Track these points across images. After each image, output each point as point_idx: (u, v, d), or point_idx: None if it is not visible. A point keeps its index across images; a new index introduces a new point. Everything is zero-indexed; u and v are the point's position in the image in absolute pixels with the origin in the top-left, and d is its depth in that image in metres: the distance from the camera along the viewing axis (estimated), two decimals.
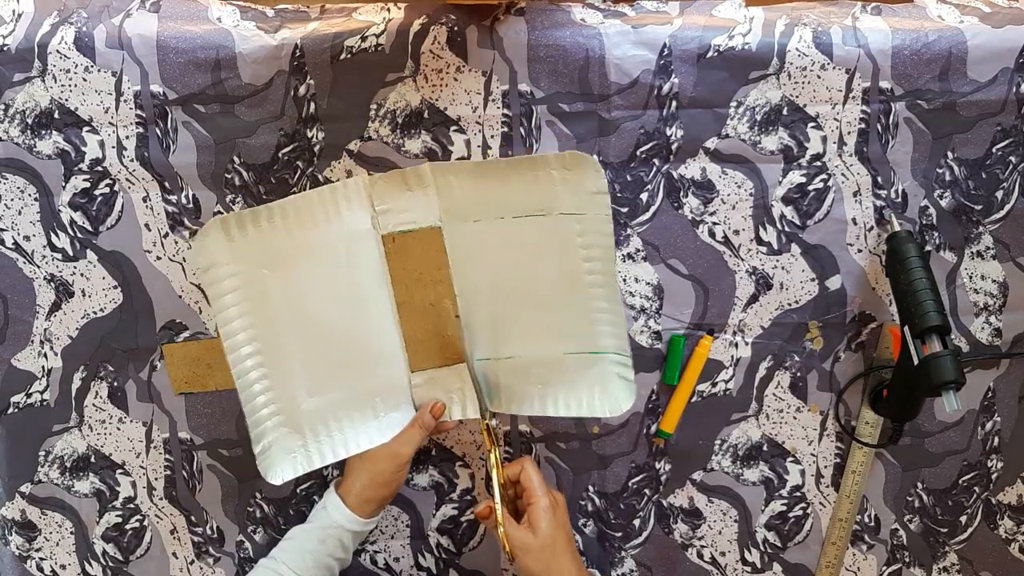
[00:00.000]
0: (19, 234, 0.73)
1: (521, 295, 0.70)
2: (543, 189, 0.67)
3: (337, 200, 0.68)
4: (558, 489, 0.76)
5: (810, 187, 0.72)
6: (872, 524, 0.78)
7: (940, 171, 0.72)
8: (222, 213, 0.72)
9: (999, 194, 0.73)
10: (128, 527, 0.78)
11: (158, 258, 0.73)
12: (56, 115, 0.71)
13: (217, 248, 0.67)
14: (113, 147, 0.71)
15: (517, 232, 0.69)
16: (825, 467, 0.77)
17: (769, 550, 0.78)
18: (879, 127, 0.71)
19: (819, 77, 0.70)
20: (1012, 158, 0.72)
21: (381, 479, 0.70)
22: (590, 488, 0.77)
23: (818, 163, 0.72)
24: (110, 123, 0.71)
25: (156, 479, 0.77)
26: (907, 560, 0.79)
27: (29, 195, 0.73)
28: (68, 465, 0.77)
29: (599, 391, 0.70)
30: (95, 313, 0.74)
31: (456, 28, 0.69)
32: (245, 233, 0.67)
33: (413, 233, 0.70)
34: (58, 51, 0.69)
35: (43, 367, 0.75)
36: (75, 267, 0.74)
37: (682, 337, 0.73)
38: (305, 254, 0.69)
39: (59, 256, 0.74)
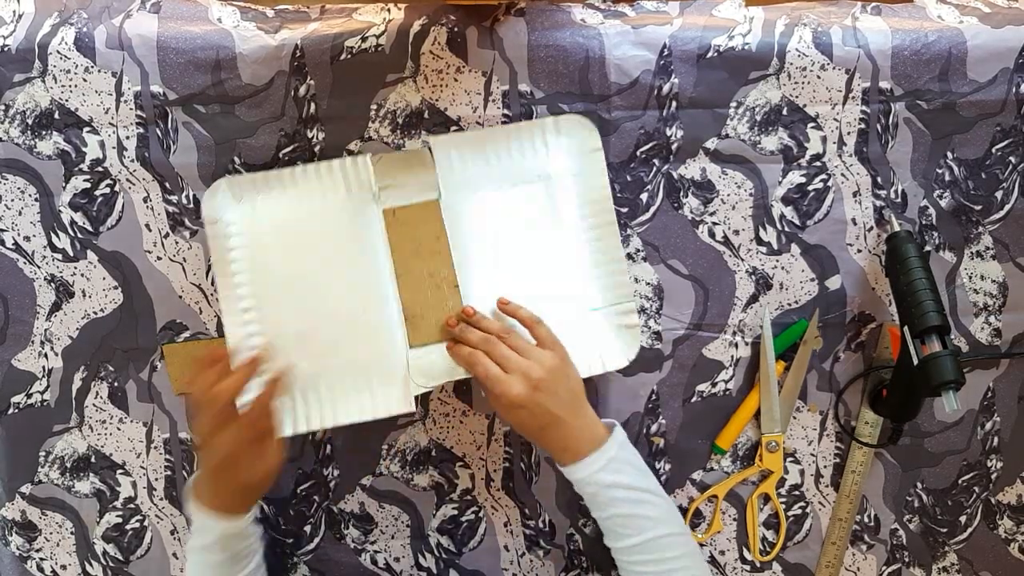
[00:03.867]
0: (19, 235, 0.73)
1: (521, 262, 0.71)
2: (541, 155, 0.70)
3: (345, 174, 0.70)
4: (559, 489, 0.76)
5: (810, 187, 0.72)
6: (872, 524, 0.78)
7: (940, 171, 0.72)
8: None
9: (999, 194, 0.73)
10: (128, 527, 0.78)
11: (158, 258, 0.73)
12: (56, 116, 0.71)
13: (225, 205, 0.69)
14: (113, 147, 0.71)
15: (516, 199, 0.71)
16: (825, 467, 0.77)
17: (767, 548, 0.78)
18: (879, 127, 0.71)
19: (819, 77, 0.70)
20: (1012, 158, 0.72)
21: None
22: None
23: (818, 163, 0.72)
24: (110, 123, 0.71)
25: (156, 479, 0.77)
26: (907, 560, 0.79)
27: (29, 195, 0.73)
28: (68, 465, 0.77)
29: (604, 347, 0.71)
30: (95, 313, 0.74)
31: (456, 29, 0.69)
32: (253, 197, 0.70)
33: (412, 207, 0.70)
34: (58, 52, 0.69)
35: (43, 367, 0.75)
36: (75, 267, 0.74)
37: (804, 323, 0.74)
38: (308, 223, 0.70)
39: (59, 256, 0.74)
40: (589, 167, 0.70)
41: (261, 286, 0.70)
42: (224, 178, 0.69)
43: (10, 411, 0.76)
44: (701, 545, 0.79)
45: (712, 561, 0.79)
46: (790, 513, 0.78)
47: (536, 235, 0.71)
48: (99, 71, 0.70)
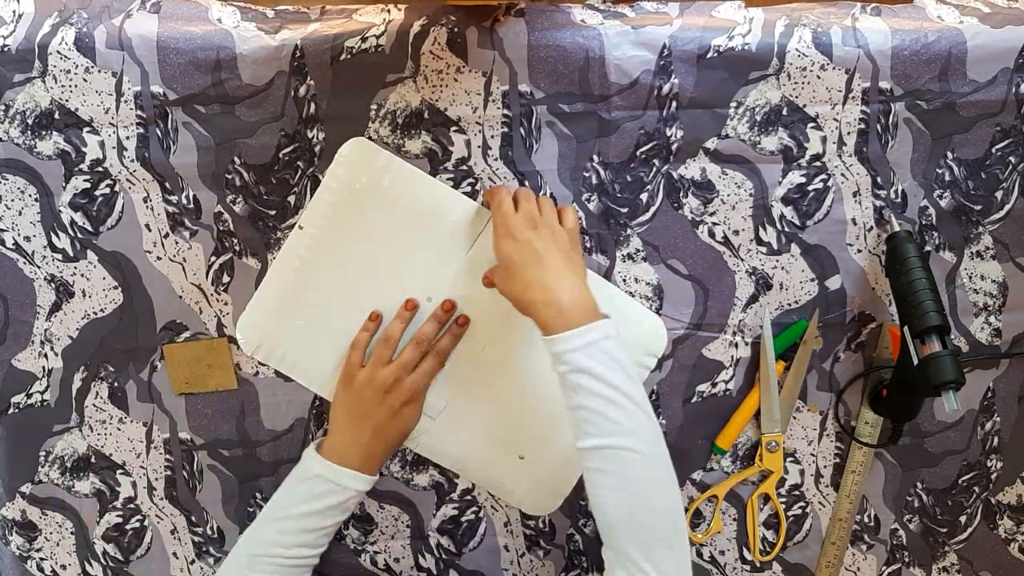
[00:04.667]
0: (20, 235, 0.73)
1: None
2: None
3: (460, 207, 0.71)
4: None
5: (810, 187, 0.72)
6: (872, 524, 0.78)
7: (940, 171, 0.72)
8: (223, 214, 0.72)
9: (999, 194, 0.73)
10: (128, 527, 0.78)
11: (158, 258, 0.73)
12: (56, 116, 0.71)
13: (359, 161, 0.70)
14: (113, 148, 0.71)
15: None
16: (825, 467, 0.77)
17: (767, 549, 0.78)
18: (879, 127, 0.71)
19: (819, 77, 0.70)
20: (1012, 158, 0.72)
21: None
22: None
23: (818, 163, 0.72)
24: (110, 124, 0.71)
25: (156, 479, 0.77)
26: (907, 560, 0.79)
27: (29, 196, 0.73)
28: (68, 465, 0.77)
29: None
30: (95, 313, 0.74)
31: (456, 29, 0.69)
32: (382, 171, 0.70)
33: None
34: (58, 52, 0.69)
35: (43, 367, 0.75)
36: (75, 267, 0.74)
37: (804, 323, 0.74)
38: (399, 226, 0.71)
39: (59, 256, 0.74)
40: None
41: (322, 244, 0.71)
42: (372, 144, 0.70)
43: (10, 411, 0.76)
44: (701, 545, 0.79)
45: (712, 561, 0.79)
46: (790, 513, 0.78)
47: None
48: (99, 71, 0.70)
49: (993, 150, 0.72)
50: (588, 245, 0.73)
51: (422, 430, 0.73)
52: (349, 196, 0.70)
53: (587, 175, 0.72)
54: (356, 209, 0.71)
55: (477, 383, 0.73)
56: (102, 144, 0.71)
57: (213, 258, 0.73)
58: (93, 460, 0.77)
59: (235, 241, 0.73)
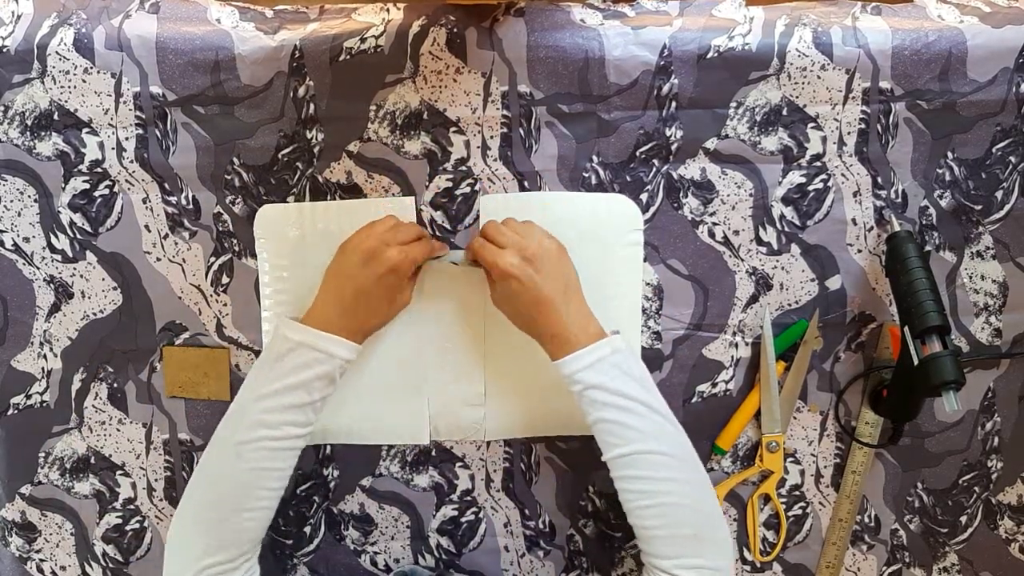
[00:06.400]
0: (19, 236, 0.73)
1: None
2: (583, 227, 0.71)
3: (384, 209, 0.71)
4: (559, 490, 0.76)
5: (810, 187, 0.72)
6: (872, 524, 0.78)
7: (940, 171, 0.72)
8: (222, 215, 0.72)
9: (999, 194, 0.73)
10: (128, 528, 0.78)
11: (158, 259, 0.73)
12: (56, 116, 0.71)
13: (277, 222, 0.72)
14: (113, 148, 0.71)
15: None
16: (825, 467, 0.77)
17: (768, 549, 0.78)
18: (879, 127, 0.71)
19: (819, 77, 0.70)
20: (1012, 158, 0.72)
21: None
22: (590, 488, 0.77)
23: (818, 163, 0.72)
24: (109, 124, 0.71)
25: (156, 480, 0.77)
26: (907, 560, 0.79)
27: (29, 196, 0.72)
28: (68, 466, 0.77)
29: None
30: (95, 314, 0.74)
31: (455, 29, 0.69)
32: (302, 218, 0.72)
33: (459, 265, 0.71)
34: (57, 52, 0.69)
35: (43, 368, 0.75)
36: (75, 268, 0.74)
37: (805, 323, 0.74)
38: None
39: (59, 257, 0.74)
40: (624, 252, 0.72)
41: (301, 306, 0.70)
42: (271, 206, 0.71)
43: (10, 412, 0.76)
44: None
45: None
46: (790, 513, 0.78)
47: None
48: (98, 72, 0.70)
49: (993, 150, 0.72)
50: None
51: (478, 419, 0.74)
52: (293, 254, 0.72)
53: (587, 175, 0.72)
54: (305, 261, 0.71)
55: (506, 350, 0.73)
56: (101, 145, 0.71)
57: (212, 259, 0.73)
58: (93, 461, 0.77)
59: (234, 242, 0.73)
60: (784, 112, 0.71)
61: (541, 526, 0.78)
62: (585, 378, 0.62)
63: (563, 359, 0.63)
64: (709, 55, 0.69)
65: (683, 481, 0.62)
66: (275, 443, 0.63)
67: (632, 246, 0.72)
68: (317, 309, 0.67)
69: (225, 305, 0.74)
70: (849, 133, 0.71)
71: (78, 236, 0.73)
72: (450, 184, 0.72)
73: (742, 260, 0.73)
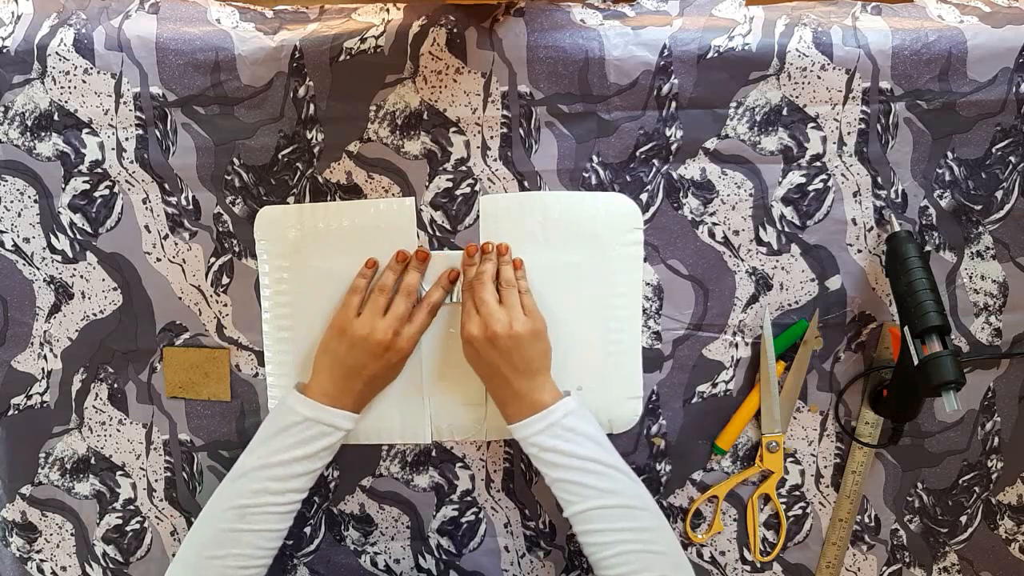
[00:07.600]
0: (19, 236, 0.73)
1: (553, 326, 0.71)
2: (582, 226, 0.71)
3: (384, 213, 0.72)
4: None
5: (810, 187, 0.72)
6: (872, 524, 0.78)
7: (940, 171, 0.72)
8: (223, 215, 0.72)
9: (999, 194, 0.73)
10: (128, 529, 0.78)
11: (158, 260, 0.73)
12: (56, 117, 0.71)
13: (276, 223, 0.72)
14: (113, 149, 0.71)
15: (552, 265, 0.72)
16: (825, 467, 0.77)
17: (768, 549, 0.78)
18: (879, 127, 0.71)
19: (819, 77, 0.70)
20: (1012, 158, 0.72)
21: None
22: None
23: (818, 163, 0.72)
24: (110, 125, 0.71)
25: (156, 480, 0.77)
26: (907, 560, 0.79)
27: (29, 197, 0.72)
28: (68, 467, 0.77)
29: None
30: (95, 315, 0.74)
31: (455, 29, 0.69)
32: (301, 219, 0.72)
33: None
34: (57, 53, 0.69)
35: (43, 369, 0.75)
36: (75, 269, 0.74)
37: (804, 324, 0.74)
38: (347, 251, 0.72)
39: (59, 258, 0.74)
40: (625, 252, 0.72)
41: (301, 307, 0.72)
42: (271, 207, 0.71)
43: (10, 412, 0.76)
44: (701, 545, 0.79)
45: (712, 561, 0.79)
46: (790, 513, 0.78)
47: (561, 307, 0.72)
48: (98, 72, 0.70)
49: (993, 150, 0.72)
50: None
51: (479, 419, 0.74)
52: (293, 255, 0.72)
53: (587, 176, 0.72)
54: (305, 262, 0.72)
55: None
56: (101, 145, 0.71)
57: (213, 259, 0.73)
58: (93, 461, 0.77)
59: (235, 242, 0.73)
60: (784, 112, 0.71)
61: (541, 526, 0.78)
62: (540, 442, 0.65)
63: (516, 424, 0.66)
64: (709, 55, 0.69)
65: (641, 529, 0.65)
66: (279, 508, 0.67)
67: (632, 246, 0.72)
68: (323, 384, 0.69)
69: (225, 306, 0.74)
70: (849, 133, 0.71)
71: (78, 237, 0.73)
72: (450, 184, 0.72)
73: (742, 260, 0.73)
